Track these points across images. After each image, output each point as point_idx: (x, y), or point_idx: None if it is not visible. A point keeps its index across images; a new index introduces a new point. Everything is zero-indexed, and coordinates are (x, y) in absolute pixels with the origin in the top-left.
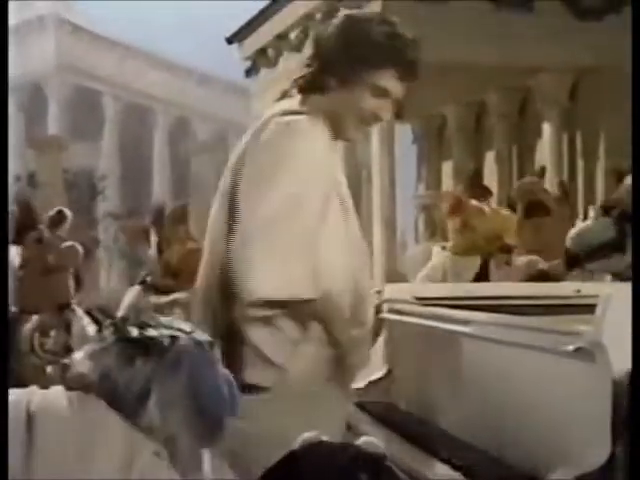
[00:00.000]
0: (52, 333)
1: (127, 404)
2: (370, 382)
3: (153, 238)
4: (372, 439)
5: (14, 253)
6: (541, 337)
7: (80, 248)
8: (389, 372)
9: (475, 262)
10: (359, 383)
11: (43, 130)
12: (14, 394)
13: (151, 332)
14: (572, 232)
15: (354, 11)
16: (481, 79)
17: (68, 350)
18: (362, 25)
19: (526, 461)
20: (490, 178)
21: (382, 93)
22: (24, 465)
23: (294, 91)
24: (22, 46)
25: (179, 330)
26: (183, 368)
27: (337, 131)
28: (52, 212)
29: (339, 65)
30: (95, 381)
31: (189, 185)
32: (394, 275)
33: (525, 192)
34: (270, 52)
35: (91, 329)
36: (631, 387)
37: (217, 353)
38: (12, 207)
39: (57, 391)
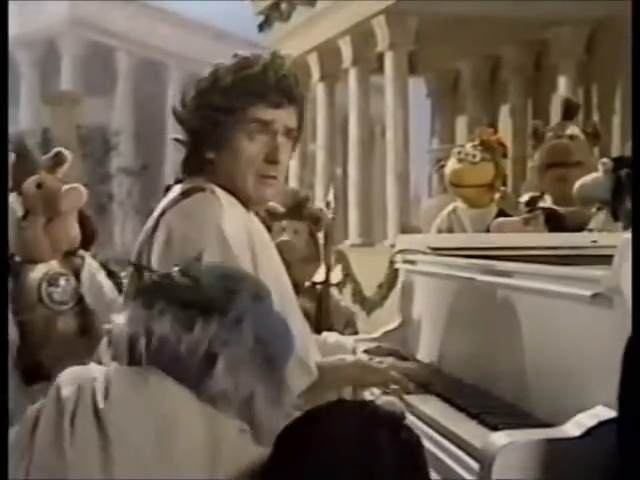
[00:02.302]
0: (61, 282)
1: (191, 374)
2: (385, 332)
3: None
4: (391, 398)
5: (15, 202)
6: (558, 283)
7: (83, 189)
8: (404, 322)
9: (491, 211)
10: (375, 333)
11: (57, 86)
12: (71, 391)
13: (204, 284)
14: (576, 184)
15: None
16: (496, 32)
17: (79, 299)
18: (207, 83)
19: (543, 409)
20: (505, 132)
21: (260, 128)
22: (102, 465)
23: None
24: (36, 2)
25: (231, 280)
26: (246, 323)
27: (241, 196)
28: (50, 154)
29: (206, 133)
30: (148, 351)
31: None
32: (407, 228)
33: (555, 155)
34: (283, 6)
35: (102, 276)
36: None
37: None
38: (10, 154)
39: (118, 375)
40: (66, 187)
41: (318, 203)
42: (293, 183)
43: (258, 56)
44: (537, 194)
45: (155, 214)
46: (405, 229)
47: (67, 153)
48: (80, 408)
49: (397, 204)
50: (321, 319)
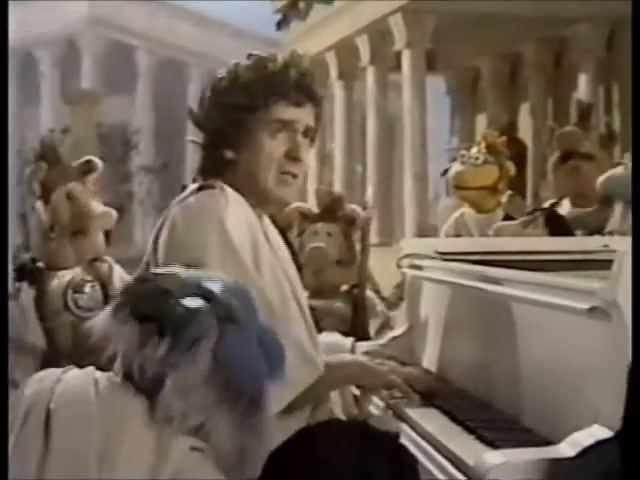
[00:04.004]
0: (86, 289)
1: (144, 390)
2: (392, 338)
3: None
4: (384, 416)
5: (42, 210)
6: (554, 294)
7: (114, 213)
8: (410, 328)
9: (497, 215)
10: (381, 339)
11: (77, 85)
12: (32, 390)
13: (169, 299)
14: (601, 177)
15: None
16: (516, 30)
17: (105, 304)
18: (227, 82)
19: (543, 424)
20: (525, 131)
21: (281, 126)
22: (39, 469)
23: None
24: (56, 2)
25: (203, 295)
26: (204, 347)
27: (258, 196)
28: (80, 162)
29: (225, 133)
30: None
31: None
32: (426, 228)
33: (563, 142)
34: (301, 5)
35: (127, 279)
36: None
37: (251, 307)
38: (39, 159)
39: (84, 378)
40: (98, 211)
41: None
42: (312, 182)
43: (275, 55)
44: (555, 200)
45: (165, 213)
46: (422, 229)
47: (98, 161)
48: (34, 407)
49: (415, 203)
50: (357, 322)
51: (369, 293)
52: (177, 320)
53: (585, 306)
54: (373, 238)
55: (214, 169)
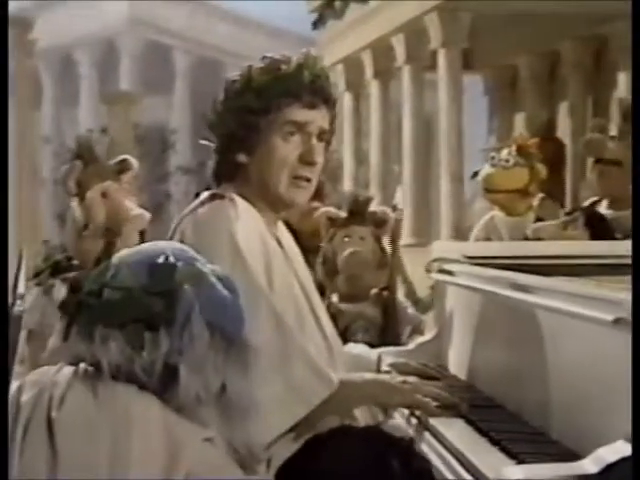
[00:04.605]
0: None
1: (153, 386)
2: (420, 344)
3: None
4: (399, 423)
5: (77, 209)
6: (581, 303)
7: (147, 215)
8: (439, 333)
9: (528, 219)
10: (410, 345)
11: (115, 85)
12: (29, 396)
13: (136, 294)
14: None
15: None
16: (554, 28)
17: None
18: (240, 84)
19: (569, 437)
20: (564, 130)
21: (294, 129)
22: (48, 476)
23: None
24: (95, 3)
25: (163, 276)
26: (195, 320)
27: (271, 202)
28: (116, 161)
29: (239, 136)
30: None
31: None
32: (462, 229)
33: (589, 150)
34: (337, 4)
35: None
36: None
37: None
38: (75, 158)
39: (76, 382)
40: (133, 214)
41: (375, 201)
42: (348, 182)
43: (289, 57)
44: (596, 198)
45: (175, 222)
46: (458, 230)
47: (133, 160)
48: (35, 415)
49: (451, 204)
50: (387, 327)
51: (400, 296)
52: (162, 309)
53: (609, 317)
54: (409, 238)
55: (227, 174)
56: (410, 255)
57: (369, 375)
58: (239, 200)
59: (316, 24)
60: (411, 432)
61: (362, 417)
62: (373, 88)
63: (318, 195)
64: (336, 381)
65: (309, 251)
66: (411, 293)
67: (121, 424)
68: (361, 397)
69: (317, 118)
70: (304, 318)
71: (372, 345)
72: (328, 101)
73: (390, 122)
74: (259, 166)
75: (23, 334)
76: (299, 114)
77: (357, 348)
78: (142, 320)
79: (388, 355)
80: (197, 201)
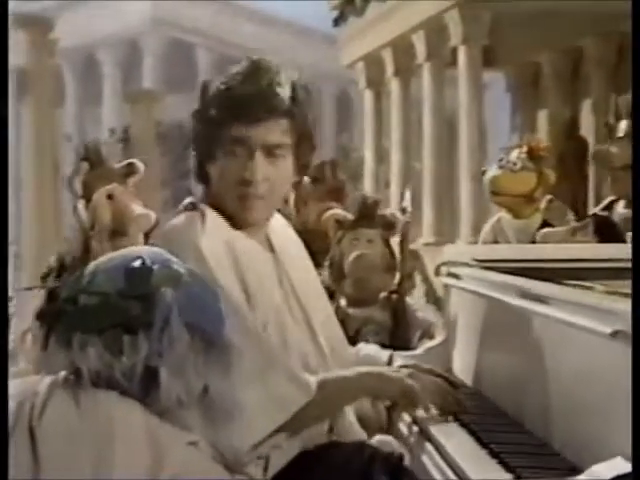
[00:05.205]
0: None
1: (134, 392)
2: (429, 348)
3: (292, 196)
4: (389, 438)
5: (83, 210)
6: (577, 313)
7: (153, 215)
8: (448, 338)
9: (534, 222)
10: (419, 349)
11: (139, 84)
12: (12, 407)
13: (113, 298)
14: None
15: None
16: (577, 24)
17: None
18: (199, 95)
19: (571, 450)
20: (587, 127)
21: (235, 146)
22: None
23: None
24: (119, 2)
25: (141, 278)
26: (174, 322)
27: (229, 219)
28: (122, 164)
29: (198, 147)
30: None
31: None
32: (482, 228)
33: (599, 161)
34: (357, 1)
35: None
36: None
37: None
38: (81, 159)
39: (56, 390)
40: (137, 213)
41: (395, 200)
42: (369, 180)
43: (246, 66)
44: (614, 198)
45: (156, 231)
46: (478, 229)
47: (139, 164)
48: (17, 425)
49: (471, 203)
50: (397, 330)
51: (409, 300)
52: (140, 312)
53: (607, 330)
54: (430, 237)
55: (202, 181)
56: (430, 254)
57: (363, 368)
58: (209, 212)
59: (337, 21)
60: (399, 448)
61: (368, 416)
62: (394, 86)
63: (338, 195)
64: (314, 387)
65: (325, 253)
66: (431, 292)
67: (103, 431)
68: (356, 391)
69: (261, 133)
70: (285, 325)
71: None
72: (281, 112)
73: (411, 120)
74: (214, 181)
75: (29, 338)
76: (238, 130)
77: (368, 348)
78: (120, 325)
79: (398, 357)
80: (177, 210)
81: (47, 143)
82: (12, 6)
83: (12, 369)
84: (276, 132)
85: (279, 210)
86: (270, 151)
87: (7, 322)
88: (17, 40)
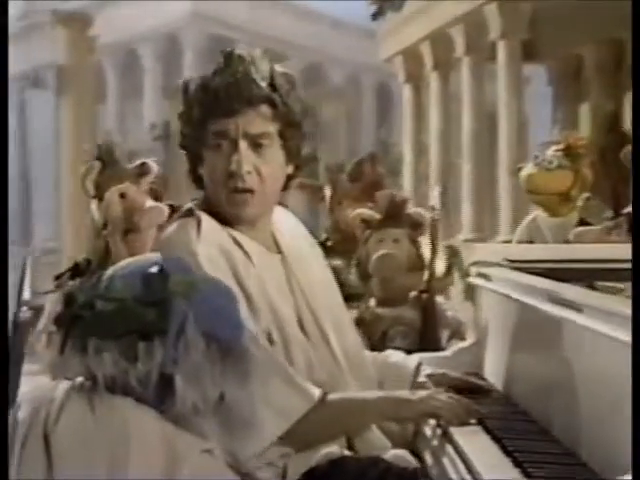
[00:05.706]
0: None
1: (149, 399)
2: (459, 350)
3: (327, 196)
4: (403, 452)
5: (96, 210)
6: (598, 318)
7: (164, 208)
8: (478, 340)
9: (571, 220)
10: (448, 351)
11: (179, 79)
12: (26, 413)
13: (130, 304)
14: None
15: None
16: (619, 15)
17: None
18: (183, 94)
19: (598, 460)
20: (631, 121)
21: (218, 140)
22: None
23: None
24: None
25: (156, 286)
26: (190, 330)
27: (222, 218)
28: (135, 164)
29: (186, 149)
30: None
31: (317, 133)
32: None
33: (628, 162)
34: None
35: None
36: None
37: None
38: (95, 159)
39: (72, 397)
40: (148, 206)
41: (432, 195)
42: (408, 175)
43: (221, 60)
44: None
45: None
46: (518, 226)
47: (153, 164)
48: (31, 433)
49: (510, 199)
50: (426, 330)
51: (439, 299)
52: (156, 319)
53: (626, 338)
54: (469, 234)
55: (197, 185)
56: (468, 250)
57: (382, 393)
58: (204, 217)
59: (375, 15)
60: (414, 463)
61: (391, 431)
62: (432, 80)
63: (377, 190)
64: (317, 396)
65: (354, 253)
66: (470, 290)
67: (119, 438)
68: (371, 415)
69: (241, 123)
70: (290, 330)
71: (410, 351)
72: (252, 101)
73: (451, 114)
74: (205, 181)
75: (43, 338)
76: (218, 124)
77: (394, 356)
78: (136, 331)
79: (426, 362)
80: (176, 215)
81: (87, 140)
82: (51, 4)
83: (26, 367)
84: (257, 121)
85: (311, 208)
86: (254, 141)
87: (7, 322)
88: (56, 37)
